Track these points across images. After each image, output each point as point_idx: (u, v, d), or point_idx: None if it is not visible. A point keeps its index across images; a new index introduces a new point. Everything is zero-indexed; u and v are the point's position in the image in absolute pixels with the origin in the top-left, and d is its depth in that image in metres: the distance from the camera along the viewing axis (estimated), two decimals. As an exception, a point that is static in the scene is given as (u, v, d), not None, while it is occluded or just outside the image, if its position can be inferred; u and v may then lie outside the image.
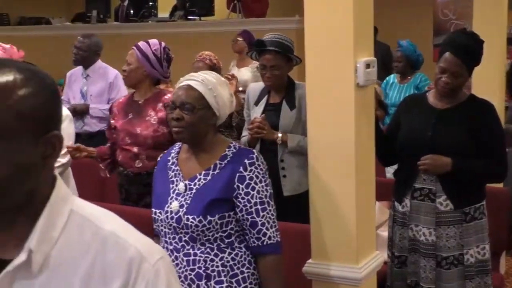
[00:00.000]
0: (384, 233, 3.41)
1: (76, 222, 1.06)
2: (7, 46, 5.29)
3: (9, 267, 1.00)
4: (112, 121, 3.42)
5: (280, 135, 3.33)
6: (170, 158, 2.30)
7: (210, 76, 2.24)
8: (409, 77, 5.37)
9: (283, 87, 3.44)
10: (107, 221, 1.09)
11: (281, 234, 3.06)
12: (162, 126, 3.25)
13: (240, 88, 4.69)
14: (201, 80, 2.19)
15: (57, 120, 1.06)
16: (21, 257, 1.00)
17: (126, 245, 1.05)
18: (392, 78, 5.53)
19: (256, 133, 3.31)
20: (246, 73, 5.90)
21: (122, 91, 4.86)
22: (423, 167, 2.89)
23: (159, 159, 2.40)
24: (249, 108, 3.57)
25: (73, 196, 1.10)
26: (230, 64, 6.17)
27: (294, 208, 3.40)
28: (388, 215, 3.26)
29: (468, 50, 2.90)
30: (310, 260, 2.66)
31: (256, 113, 3.44)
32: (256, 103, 3.50)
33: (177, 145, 2.35)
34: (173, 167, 2.26)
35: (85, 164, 3.98)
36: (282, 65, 3.37)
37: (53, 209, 1.04)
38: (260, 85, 3.55)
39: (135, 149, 3.27)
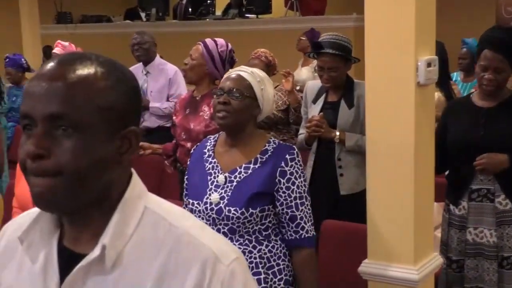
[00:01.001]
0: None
1: (150, 220, 1.05)
2: (66, 43, 5.45)
3: (83, 262, 1.01)
4: (174, 118, 3.48)
5: (338, 133, 3.32)
6: (205, 150, 2.34)
7: (259, 71, 2.32)
8: (474, 75, 5.24)
9: (342, 86, 3.42)
10: (182, 220, 1.07)
11: (337, 233, 3.08)
12: (214, 121, 3.27)
13: (298, 87, 4.68)
14: (250, 72, 2.27)
15: (135, 115, 1.05)
16: (95, 252, 1.00)
17: (200, 245, 1.03)
18: (455, 76, 5.40)
19: (314, 131, 3.31)
20: (305, 72, 5.90)
21: (182, 87, 4.92)
22: (480, 167, 2.83)
23: (192, 151, 2.45)
24: (306, 106, 3.56)
25: (148, 193, 1.09)
26: (298, 63, 6.19)
27: (350, 207, 3.38)
28: (447, 216, 3.20)
29: (507, 44, 2.86)
30: (366, 260, 2.64)
31: (314, 111, 3.44)
32: (314, 101, 3.49)
33: (212, 137, 2.40)
34: (209, 159, 2.30)
35: (145, 161, 4.06)
36: (339, 66, 3.36)
37: (127, 206, 1.04)
38: (318, 83, 3.53)
39: (188, 145, 3.31)
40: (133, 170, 1.09)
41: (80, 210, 1.01)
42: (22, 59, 5.86)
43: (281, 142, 2.33)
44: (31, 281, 1.06)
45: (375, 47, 2.51)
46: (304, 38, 6.10)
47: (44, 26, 8.16)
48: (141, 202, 1.06)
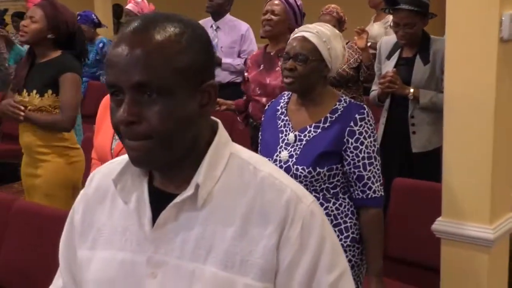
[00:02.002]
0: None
1: (235, 164, 1.12)
2: (139, 0, 5.52)
3: (177, 199, 1.08)
4: (245, 74, 3.49)
5: (412, 90, 3.27)
6: (279, 107, 2.35)
7: (324, 28, 2.25)
8: None
9: (417, 42, 3.35)
10: (263, 164, 1.14)
11: (409, 191, 3.06)
12: None
13: (369, 43, 4.61)
14: (315, 32, 2.22)
15: (210, 69, 1.10)
16: (189, 191, 1.08)
17: (282, 186, 1.10)
18: None
19: (387, 87, 3.27)
20: (377, 28, 5.79)
21: (253, 44, 4.91)
22: None
23: (267, 107, 2.45)
24: (380, 62, 3.52)
25: (233, 143, 1.16)
26: (371, 19, 6.07)
27: (422, 165, 3.37)
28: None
29: None
30: (440, 218, 2.62)
31: (388, 67, 3.39)
32: (388, 57, 3.44)
33: (286, 94, 2.40)
34: (282, 116, 2.31)
35: (216, 117, 4.11)
36: (416, 22, 3.29)
37: (215, 151, 1.11)
38: (393, 38, 3.48)
39: (263, 100, 3.33)
40: (219, 120, 1.16)
41: (173, 163, 1.09)
42: (93, 15, 5.98)
43: (352, 100, 2.30)
44: (125, 219, 1.14)
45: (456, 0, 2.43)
46: None
47: (114, -17, 8.26)
48: (227, 148, 1.13)
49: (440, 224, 2.61)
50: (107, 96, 2.83)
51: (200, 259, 1.07)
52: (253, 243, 1.06)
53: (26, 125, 3.18)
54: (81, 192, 1.25)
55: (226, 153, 1.12)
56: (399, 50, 3.41)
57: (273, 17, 3.33)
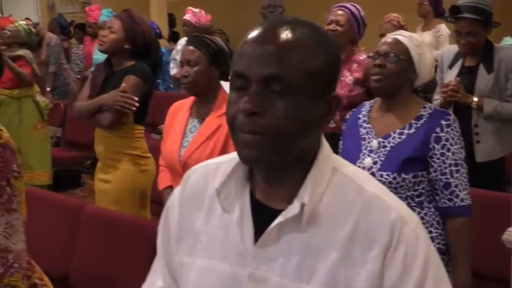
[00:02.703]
0: None
1: (339, 180, 1.09)
2: (196, 10, 5.63)
3: (281, 218, 1.06)
4: None
5: (475, 99, 3.25)
6: (361, 116, 2.35)
7: (417, 35, 2.30)
8: None
9: (480, 50, 3.33)
10: (369, 182, 1.10)
11: (476, 201, 3.03)
12: (358, 86, 3.30)
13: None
14: (408, 36, 2.24)
15: (335, 82, 1.09)
16: (295, 210, 1.05)
17: (388, 208, 1.06)
18: None
19: (450, 96, 3.26)
20: (427, 37, 5.73)
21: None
22: None
23: (348, 116, 2.46)
24: (442, 71, 3.51)
25: (334, 155, 1.13)
26: (416, 28, 6.03)
27: (486, 174, 3.32)
28: None
29: None
30: (510, 228, 2.56)
31: (450, 76, 3.38)
32: (450, 66, 3.43)
33: (368, 103, 2.40)
34: (364, 124, 2.31)
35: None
36: (478, 31, 3.26)
37: (320, 166, 1.08)
38: (455, 47, 3.46)
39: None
40: (321, 133, 1.13)
41: (281, 167, 1.07)
42: (155, 26, 6.13)
43: (437, 108, 2.28)
44: (224, 229, 1.13)
45: None
46: (426, 3, 5.92)
47: (169, -7, 8.43)
48: (329, 162, 1.10)
49: (511, 235, 2.57)
50: (175, 104, 2.90)
51: (303, 280, 1.05)
52: (357, 266, 1.04)
53: (101, 133, 3.29)
54: (176, 192, 1.24)
55: (329, 168, 1.09)
56: (461, 59, 3.40)
57: (338, 27, 3.37)
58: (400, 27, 4.35)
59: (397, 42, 2.22)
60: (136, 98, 3.15)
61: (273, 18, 1.10)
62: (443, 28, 5.43)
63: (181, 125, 2.78)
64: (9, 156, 1.66)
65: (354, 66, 3.33)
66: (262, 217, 1.09)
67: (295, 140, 1.03)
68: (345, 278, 1.04)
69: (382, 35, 4.14)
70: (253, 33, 1.05)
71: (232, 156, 1.14)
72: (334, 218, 1.06)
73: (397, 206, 1.08)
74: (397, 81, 2.21)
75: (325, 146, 1.11)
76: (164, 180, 2.89)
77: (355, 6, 3.42)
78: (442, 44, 5.00)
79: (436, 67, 3.78)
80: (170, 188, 2.83)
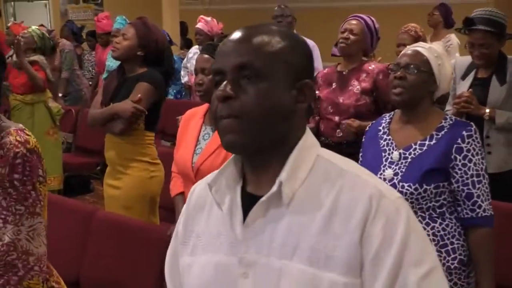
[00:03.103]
0: None
1: (322, 166, 1.15)
2: (209, 18, 5.66)
3: (263, 198, 1.14)
4: (316, 92, 3.54)
5: (488, 110, 3.24)
6: (381, 128, 2.35)
7: (436, 46, 2.30)
8: None
9: (493, 62, 3.33)
10: (350, 165, 1.17)
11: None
12: (365, 96, 3.30)
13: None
14: (428, 47, 2.25)
15: (309, 70, 1.18)
16: (273, 189, 1.13)
17: (367, 184, 1.13)
18: None
19: (462, 107, 3.25)
20: (438, 47, 5.74)
21: (318, 61, 4.97)
22: None
23: (367, 128, 2.46)
24: (455, 82, 3.50)
25: (322, 148, 1.20)
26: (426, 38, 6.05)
27: (498, 186, 3.30)
28: None
29: None
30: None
31: (463, 87, 3.38)
32: (463, 77, 3.43)
33: (387, 115, 2.40)
34: (384, 136, 2.31)
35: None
36: (491, 43, 3.26)
37: (301, 152, 1.16)
38: (468, 59, 3.46)
39: (336, 119, 3.36)
40: (308, 125, 1.23)
41: (261, 151, 1.14)
42: (166, 34, 6.16)
43: (458, 118, 2.29)
44: (219, 223, 1.20)
45: None
46: (437, 13, 5.93)
47: (182, 1, 8.49)
48: (313, 150, 1.17)
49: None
50: (188, 112, 2.92)
51: (287, 255, 1.11)
52: (337, 238, 1.09)
53: (112, 139, 3.32)
54: (184, 206, 1.31)
55: (312, 155, 1.16)
56: (474, 71, 3.40)
57: (351, 36, 3.37)
58: (418, 37, 4.32)
59: (417, 53, 2.24)
60: (144, 110, 3.20)
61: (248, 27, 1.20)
62: (453, 38, 5.44)
63: (195, 132, 2.80)
64: (35, 161, 1.70)
65: (363, 76, 3.34)
66: (251, 206, 1.15)
67: (268, 123, 1.12)
68: (326, 251, 1.09)
69: (400, 45, 4.16)
70: (227, 38, 1.18)
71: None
72: (315, 197, 1.12)
73: (377, 183, 1.14)
74: (418, 93, 2.21)
75: (309, 136, 1.19)
76: (176, 187, 2.91)
77: (370, 18, 3.43)
78: (452, 54, 5.02)
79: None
80: (182, 194, 2.85)
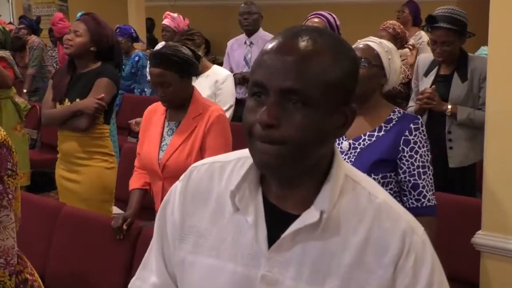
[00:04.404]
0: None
1: (350, 187, 1.12)
2: (175, 15, 5.65)
3: (299, 224, 1.08)
4: None
5: (450, 106, 3.33)
6: None
7: (387, 42, 2.36)
8: None
9: (455, 59, 3.41)
10: (378, 189, 1.15)
11: (448, 206, 3.10)
12: None
13: (403, 60, 4.66)
14: (378, 42, 2.31)
15: (353, 93, 1.10)
16: (314, 217, 1.08)
17: (399, 216, 1.11)
18: None
19: (425, 103, 3.33)
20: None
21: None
22: None
23: (336, 145, 2.50)
24: (418, 79, 3.58)
25: (344, 161, 1.16)
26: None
27: (459, 180, 3.41)
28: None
29: None
30: (480, 232, 2.66)
31: (426, 84, 3.46)
32: (426, 74, 3.51)
33: None
34: None
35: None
36: (453, 40, 3.35)
37: (336, 174, 1.11)
38: (430, 56, 3.54)
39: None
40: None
41: (298, 176, 1.09)
42: (132, 30, 6.13)
43: (406, 112, 2.36)
44: (236, 231, 1.14)
45: (500, 17, 2.49)
46: (407, 11, 6.00)
47: (147, -2, 8.45)
48: (341, 170, 1.13)
49: (480, 238, 2.65)
50: (149, 108, 2.94)
51: (317, 283, 1.08)
52: (370, 271, 1.08)
53: (69, 133, 3.33)
54: (176, 189, 1.23)
55: (342, 175, 1.12)
56: (436, 67, 3.48)
57: None
58: (396, 34, 4.33)
59: (368, 48, 2.29)
60: (105, 106, 3.27)
61: (293, 27, 1.11)
62: (424, 35, 5.52)
63: (158, 128, 2.84)
64: (4, 154, 1.69)
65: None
66: (276, 219, 1.11)
67: (310, 150, 1.06)
68: (357, 282, 1.07)
69: None
70: (274, 43, 1.07)
71: (239, 156, 1.18)
72: (347, 224, 1.09)
73: (405, 215, 1.13)
74: (369, 86, 2.26)
75: (338, 154, 1.14)
76: (134, 182, 2.96)
77: (331, 15, 3.48)
78: (424, 50, 5.08)
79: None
80: (139, 191, 2.91)
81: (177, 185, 1.24)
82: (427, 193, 2.24)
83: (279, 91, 1.03)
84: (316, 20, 3.45)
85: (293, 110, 1.03)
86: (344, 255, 1.08)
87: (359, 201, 1.11)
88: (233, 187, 1.13)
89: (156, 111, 2.88)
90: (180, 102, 2.78)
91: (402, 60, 4.12)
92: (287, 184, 1.11)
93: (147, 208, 2.95)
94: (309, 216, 1.08)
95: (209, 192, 1.18)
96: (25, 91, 6.74)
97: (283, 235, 1.09)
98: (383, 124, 2.27)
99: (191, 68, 2.74)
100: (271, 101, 1.03)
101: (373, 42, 2.32)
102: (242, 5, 5.32)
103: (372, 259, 1.08)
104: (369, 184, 1.15)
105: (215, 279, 1.14)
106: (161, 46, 2.68)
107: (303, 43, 1.04)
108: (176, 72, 2.69)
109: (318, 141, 1.06)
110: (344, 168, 1.14)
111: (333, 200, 1.09)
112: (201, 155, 2.71)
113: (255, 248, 1.11)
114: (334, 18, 3.47)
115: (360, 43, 2.35)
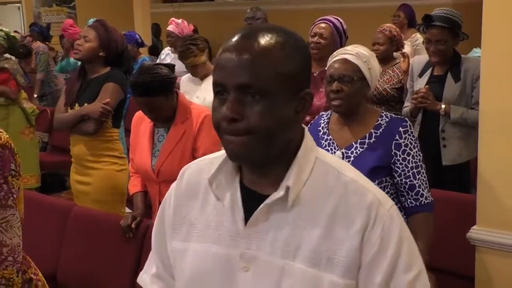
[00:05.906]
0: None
1: (320, 168, 1.20)
2: (179, 21, 5.78)
3: (268, 200, 1.18)
4: None
5: (443, 106, 3.41)
6: (320, 128, 2.43)
7: (362, 49, 2.35)
8: None
9: (448, 60, 3.50)
10: (347, 169, 1.22)
11: (443, 202, 3.18)
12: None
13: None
14: (355, 54, 2.30)
15: (308, 78, 1.19)
16: (280, 192, 1.17)
17: (365, 191, 1.18)
18: None
19: (420, 102, 3.42)
20: (406, 47, 5.90)
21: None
22: None
23: (306, 129, 2.56)
24: (412, 79, 3.67)
25: (316, 146, 1.25)
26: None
27: (452, 177, 3.50)
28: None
29: None
30: (475, 227, 2.71)
31: (420, 84, 3.55)
32: (420, 74, 3.59)
33: (325, 114, 2.50)
34: (325, 136, 2.40)
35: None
36: (447, 39, 3.43)
37: (303, 156, 1.19)
38: (425, 58, 3.63)
39: (307, 119, 3.48)
40: (305, 126, 1.25)
41: (268, 161, 1.18)
42: (137, 36, 6.25)
43: (393, 115, 2.41)
44: (218, 215, 1.24)
45: (493, 18, 2.54)
46: (402, 15, 6.08)
47: (153, 4, 8.58)
48: (312, 153, 1.22)
49: (475, 233, 2.70)
50: (136, 115, 3.03)
51: (290, 256, 1.16)
52: (338, 243, 1.15)
53: (80, 137, 3.44)
54: (172, 187, 1.34)
55: (312, 157, 1.21)
56: (430, 68, 3.57)
57: (321, 40, 3.49)
58: (392, 36, 4.35)
59: (347, 62, 2.30)
60: (111, 110, 3.35)
61: (247, 27, 1.22)
62: (420, 38, 5.59)
63: (148, 136, 2.92)
64: (7, 155, 1.72)
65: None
66: (251, 201, 1.20)
67: (275, 136, 1.14)
68: (327, 254, 1.15)
69: (374, 44, 4.26)
70: (228, 43, 1.16)
71: (223, 153, 1.25)
72: (316, 200, 1.18)
73: (374, 190, 1.20)
74: (355, 101, 2.31)
75: (309, 139, 1.23)
76: (133, 186, 3.07)
77: (337, 19, 3.55)
78: (421, 52, 5.13)
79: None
80: (140, 192, 3.02)
81: (173, 185, 1.35)
82: (424, 191, 2.31)
83: (235, 87, 1.12)
84: (323, 25, 3.52)
85: (252, 103, 1.12)
86: (314, 229, 1.16)
87: (328, 179, 1.19)
88: (210, 176, 1.24)
89: (143, 118, 2.94)
90: (170, 115, 2.87)
91: (396, 64, 4.25)
92: (259, 170, 1.20)
93: (151, 207, 3.06)
94: (278, 193, 1.17)
95: (198, 186, 1.28)
96: (35, 95, 6.90)
97: (256, 210, 1.18)
98: (372, 131, 2.32)
99: (172, 85, 2.80)
100: (231, 97, 1.13)
101: (350, 54, 2.31)
102: (248, 10, 5.40)
103: (340, 231, 1.15)
104: (339, 164, 1.23)
105: (203, 263, 1.23)
106: (139, 71, 2.74)
107: (254, 41, 1.13)
108: (161, 95, 2.75)
109: (280, 127, 1.14)
110: (316, 152, 1.23)
111: (301, 178, 1.18)
112: (193, 156, 2.78)
113: (234, 229, 1.21)
114: (340, 22, 3.54)
115: (336, 57, 2.34)
